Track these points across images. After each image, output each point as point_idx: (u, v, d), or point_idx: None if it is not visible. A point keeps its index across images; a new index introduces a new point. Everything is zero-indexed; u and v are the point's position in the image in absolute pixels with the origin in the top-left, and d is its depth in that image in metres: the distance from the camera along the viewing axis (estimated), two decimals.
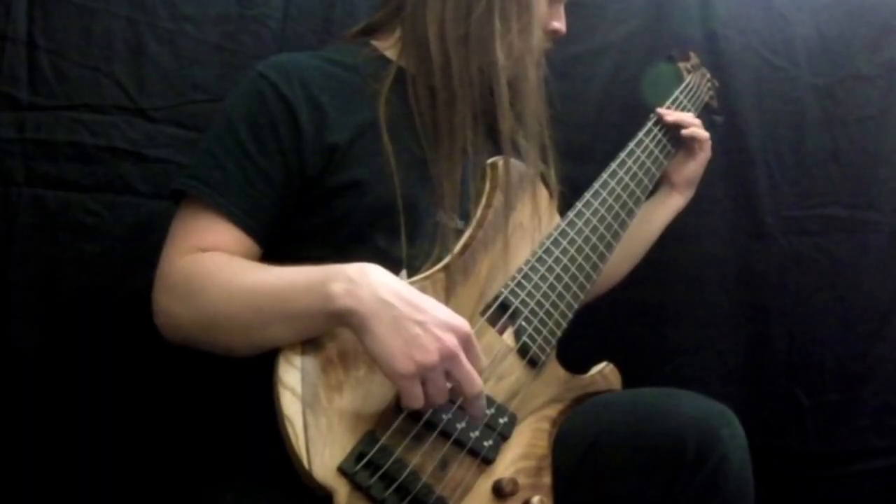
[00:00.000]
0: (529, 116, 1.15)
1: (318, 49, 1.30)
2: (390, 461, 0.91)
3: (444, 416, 0.96)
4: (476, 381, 0.92)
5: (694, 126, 1.39)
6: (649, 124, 1.36)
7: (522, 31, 1.15)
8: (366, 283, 0.91)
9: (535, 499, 1.00)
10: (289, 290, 0.93)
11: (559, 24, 1.23)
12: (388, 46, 1.18)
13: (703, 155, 1.43)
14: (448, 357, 0.90)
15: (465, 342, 0.92)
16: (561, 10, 1.24)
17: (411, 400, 0.90)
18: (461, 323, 0.92)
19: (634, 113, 1.49)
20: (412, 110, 1.13)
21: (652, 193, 1.37)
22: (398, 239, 1.06)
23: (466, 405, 0.94)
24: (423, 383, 0.90)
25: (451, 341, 0.90)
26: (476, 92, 1.12)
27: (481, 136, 1.17)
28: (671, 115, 1.37)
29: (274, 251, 1.07)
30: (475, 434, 0.98)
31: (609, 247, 1.21)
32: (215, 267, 0.99)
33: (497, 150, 1.20)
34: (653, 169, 1.32)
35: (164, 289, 1.00)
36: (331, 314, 0.91)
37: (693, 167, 1.43)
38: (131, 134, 1.30)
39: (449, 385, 0.92)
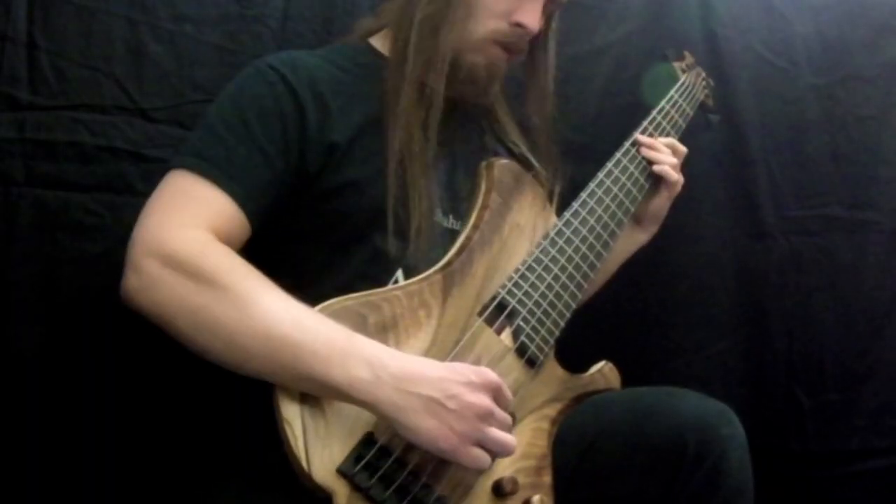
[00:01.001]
0: (507, 118, 1.15)
1: (317, 49, 1.30)
2: (389, 462, 0.92)
3: None
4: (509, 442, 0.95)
5: (666, 165, 1.30)
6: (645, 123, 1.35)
7: (462, 19, 1.12)
8: (385, 374, 0.90)
9: (536, 498, 1.00)
10: (307, 349, 0.90)
11: (526, 19, 1.14)
12: (382, 44, 1.19)
13: (667, 193, 1.33)
14: (485, 416, 0.92)
15: (496, 390, 0.94)
16: (531, 4, 1.15)
17: (476, 463, 0.92)
18: (486, 374, 0.94)
19: (634, 113, 1.49)
20: None
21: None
22: (396, 239, 1.07)
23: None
24: (481, 445, 0.92)
25: (483, 401, 0.92)
26: (418, 85, 1.11)
27: (461, 137, 1.16)
28: (646, 147, 1.30)
29: (274, 251, 1.06)
30: None
31: (606, 245, 1.20)
32: (235, 268, 0.95)
33: (499, 152, 1.20)
34: (648, 168, 1.31)
35: (158, 254, 0.95)
36: (350, 399, 0.90)
37: (658, 203, 1.33)
38: (131, 134, 1.30)
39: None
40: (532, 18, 1.15)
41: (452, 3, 1.11)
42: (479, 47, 1.14)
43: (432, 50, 1.11)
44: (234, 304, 0.92)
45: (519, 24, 1.14)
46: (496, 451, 0.94)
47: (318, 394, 0.91)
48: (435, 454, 0.91)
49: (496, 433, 0.93)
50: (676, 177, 1.32)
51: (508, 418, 0.96)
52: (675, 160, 1.32)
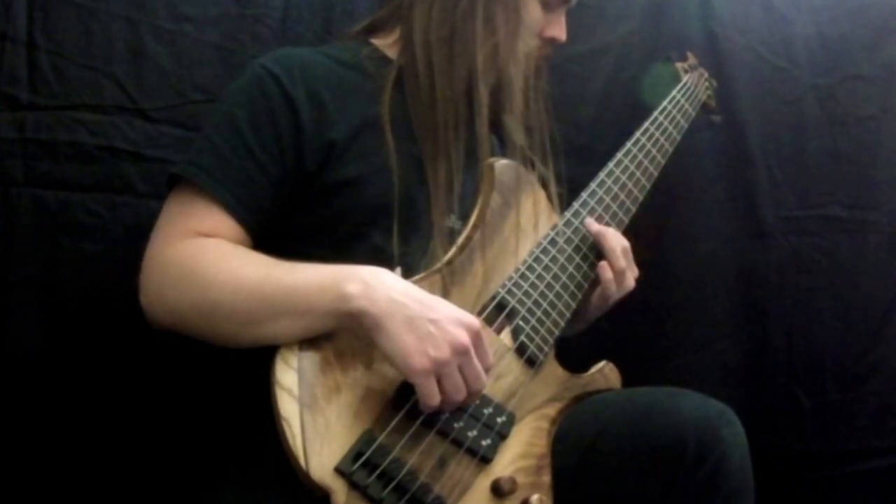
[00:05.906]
0: (513, 119, 1.16)
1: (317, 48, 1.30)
2: (388, 460, 0.91)
3: (442, 416, 0.96)
4: (482, 379, 0.94)
5: (613, 264, 1.17)
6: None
7: (509, 37, 1.15)
8: (379, 284, 0.93)
9: (535, 497, 0.99)
10: (301, 286, 0.94)
11: (557, 32, 1.22)
12: (388, 45, 1.19)
13: (604, 293, 1.18)
14: (460, 352, 0.92)
15: (476, 338, 0.94)
16: (559, 18, 1.23)
17: (429, 398, 0.91)
18: (471, 319, 0.94)
19: (634, 113, 1.49)
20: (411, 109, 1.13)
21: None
22: (398, 238, 1.06)
23: (466, 399, 0.95)
24: (439, 381, 0.92)
25: (463, 336, 0.92)
26: (460, 93, 1.12)
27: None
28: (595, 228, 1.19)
29: (272, 250, 1.06)
30: (473, 433, 0.98)
31: None
32: (219, 253, 0.99)
33: (500, 152, 1.20)
34: (650, 168, 1.31)
35: (157, 271, 1.00)
36: (345, 314, 0.92)
37: (595, 302, 1.19)
38: (131, 134, 1.30)
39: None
40: (562, 31, 1.23)
41: (498, 23, 1.13)
42: (522, 62, 1.18)
43: (470, 64, 1.12)
44: (224, 280, 0.96)
45: (553, 39, 1.22)
46: (451, 395, 0.92)
47: (318, 328, 0.93)
48: (400, 370, 0.91)
49: (458, 379, 0.92)
50: (608, 276, 1.17)
51: (482, 373, 0.94)
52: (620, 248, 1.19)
